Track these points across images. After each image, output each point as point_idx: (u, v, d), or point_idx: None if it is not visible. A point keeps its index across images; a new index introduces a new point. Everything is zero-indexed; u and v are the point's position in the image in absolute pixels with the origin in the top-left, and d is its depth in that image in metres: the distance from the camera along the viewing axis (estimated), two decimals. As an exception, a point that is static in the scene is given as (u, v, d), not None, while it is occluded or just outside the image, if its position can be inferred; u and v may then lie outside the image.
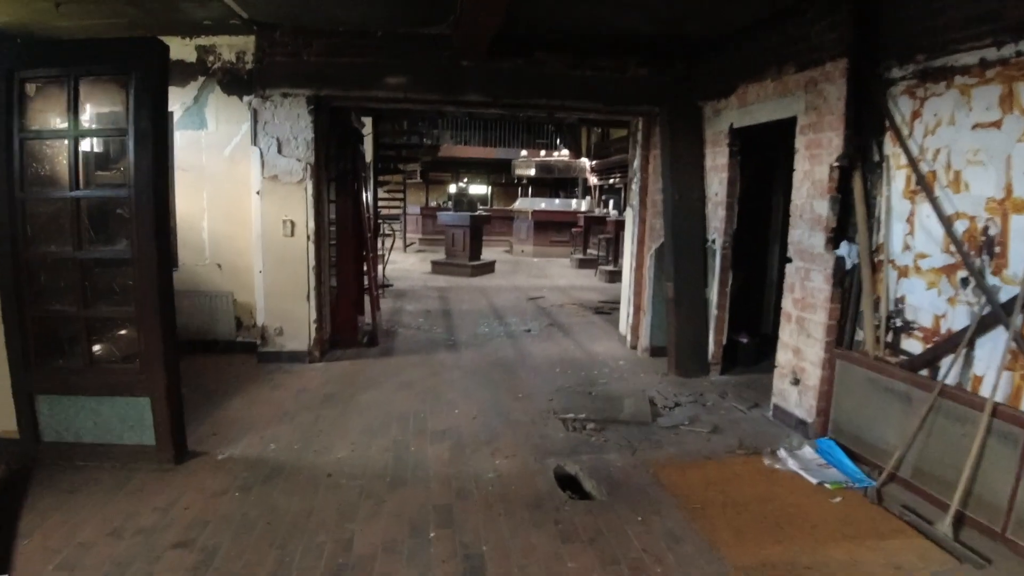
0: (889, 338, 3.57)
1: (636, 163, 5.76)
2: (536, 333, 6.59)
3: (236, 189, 5.15)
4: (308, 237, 5.04)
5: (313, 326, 5.16)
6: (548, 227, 14.50)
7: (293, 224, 5.01)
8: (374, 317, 5.84)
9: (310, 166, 4.96)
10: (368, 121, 8.63)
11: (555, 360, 5.52)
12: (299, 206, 5.00)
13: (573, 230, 13.23)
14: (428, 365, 5.24)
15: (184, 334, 5.34)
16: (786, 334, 4.15)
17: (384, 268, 8.92)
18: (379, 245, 9.64)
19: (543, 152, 15.40)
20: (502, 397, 4.49)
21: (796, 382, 4.00)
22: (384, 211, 15.12)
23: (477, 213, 11.32)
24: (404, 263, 12.69)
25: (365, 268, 6.18)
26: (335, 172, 5.65)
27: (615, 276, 10.50)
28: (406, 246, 14.88)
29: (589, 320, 7.35)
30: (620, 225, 10.62)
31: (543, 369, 5.23)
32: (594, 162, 14.40)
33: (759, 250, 6.13)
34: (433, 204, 17.75)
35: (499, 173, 18.13)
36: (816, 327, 3.83)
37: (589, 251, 13.11)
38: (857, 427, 3.61)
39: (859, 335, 3.75)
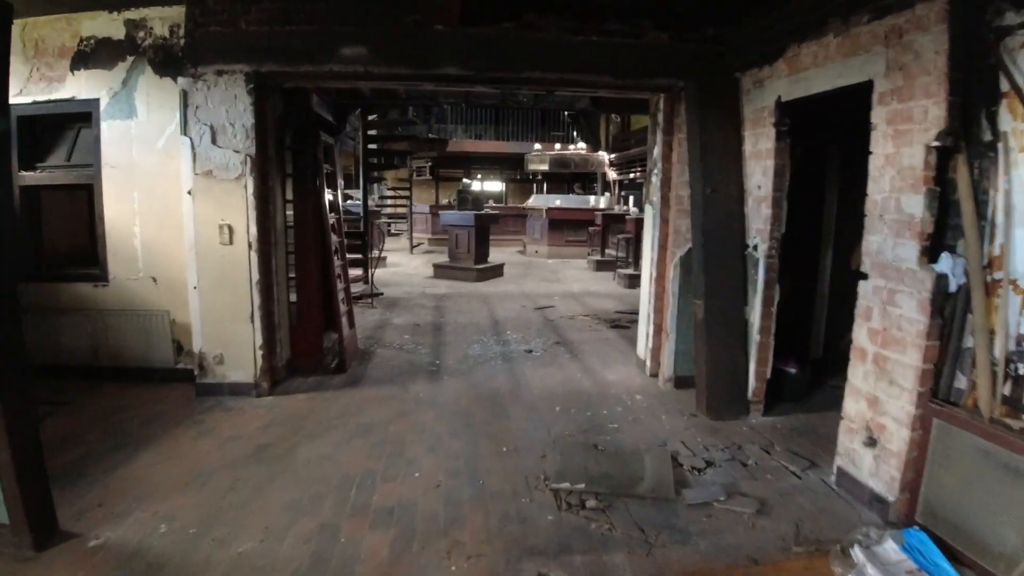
0: (1008, 390, 2.49)
1: (656, 151, 4.71)
2: (539, 354, 5.58)
3: (171, 188, 4.25)
4: (249, 245, 4.12)
5: (259, 353, 4.24)
6: (564, 226, 13.46)
7: (231, 230, 4.10)
8: (341, 338, 4.90)
9: (250, 158, 4.04)
10: (365, 120, 7.72)
11: (557, 393, 4.51)
12: (238, 207, 4.08)
13: (590, 229, 12.18)
14: (398, 401, 4.28)
15: (116, 361, 4.54)
16: (858, 377, 3.08)
17: (372, 274, 8.01)
18: (373, 248, 8.76)
19: (558, 145, 14.35)
20: (481, 450, 3.51)
21: (871, 443, 2.94)
22: (390, 210, 14.29)
23: (483, 212, 10.35)
24: (407, 266, 11.79)
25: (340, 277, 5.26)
26: (294, 167, 4.73)
27: (635, 281, 9.42)
28: (412, 247, 13.99)
29: (603, 336, 6.32)
30: (641, 224, 9.56)
31: (540, 407, 4.23)
32: (613, 155, 13.31)
33: (808, 255, 5.04)
34: (444, 202, 16.83)
35: (514, 169, 17.12)
36: (904, 371, 2.76)
37: (607, 252, 12.04)
38: (960, 515, 2.55)
39: (958, 381, 2.69)
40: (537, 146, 14.42)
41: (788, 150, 3.91)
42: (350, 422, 3.88)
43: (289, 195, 4.76)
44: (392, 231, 16.22)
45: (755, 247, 4.09)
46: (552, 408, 4.21)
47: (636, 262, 9.80)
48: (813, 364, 4.76)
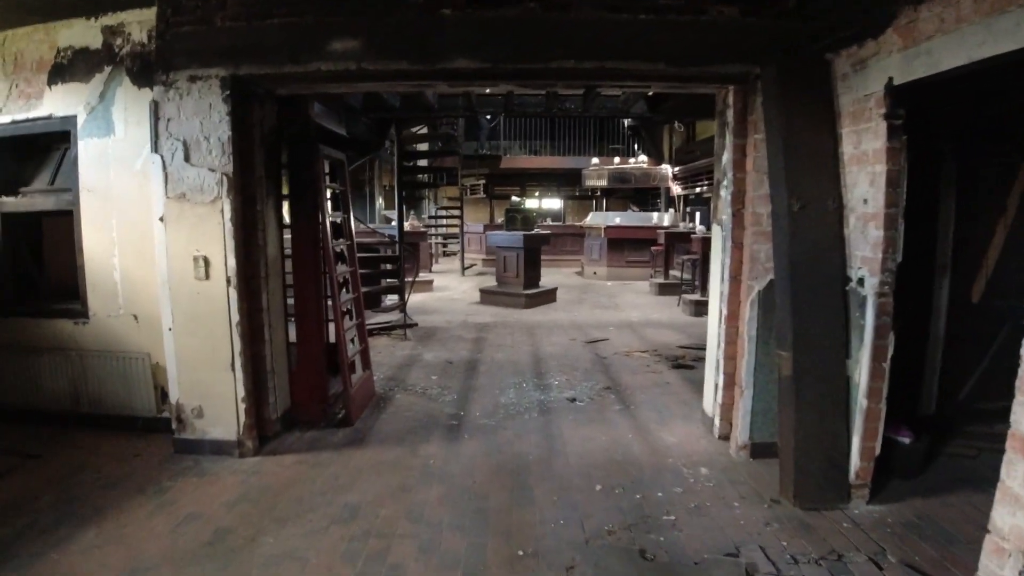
0: None
1: (725, 158, 3.76)
2: (583, 404, 4.67)
3: (150, 214, 3.70)
4: (228, 280, 3.48)
5: (241, 406, 3.58)
6: (624, 245, 12.45)
7: (207, 262, 3.48)
8: (347, 385, 4.19)
9: (227, 178, 3.42)
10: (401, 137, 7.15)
11: (599, 463, 3.60)
12: (214, 236, 3.46)
13: (652, 249, 11.12)
14: (401, 470, 3.50)
15: (97, 407, 4.03)
16: (1018, 479, 2.02)
17: (406, 302, 7.34)
18: (408, 273, 8.14)
19: (617, 159, 13.39)
20: (489, 555, 2.65)
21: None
22: (444, 229, 13.77)
23: (533, 232, 9.53)
24: (456, 290, 11.13)
25: (354, 313, 4.59)
26: (291, 187, 4.10)
27: (702, 308, 8.32)
28: (464, 269, 13.36)
29: (662, 380, 5.32)
30: (709, 243, 8.46)
31: (576, 484, 3.33)
32: (676, 168, 12.21)
33: (917, 287, 3.91)
34: (499, 221, 16.18)
35: (572, 185, 16.27)
36: None
37: (672, 274, 10.93)
38: None
39: None
40: (595, 160, 13.52)
41: (904, 151, 2.89)
42: (335, 501, 3.12)
43: (287, 219, 4.13)
44: (445, 252, 15.72)
45: (860, 281, 3.07)
46: (591, 486, 3.30)
47: (703, 287, 8.69)
48: (926, 425, 3.62)
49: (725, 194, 3.78)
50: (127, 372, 3.95)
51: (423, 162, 8.65)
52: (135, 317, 3.92)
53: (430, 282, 11.15)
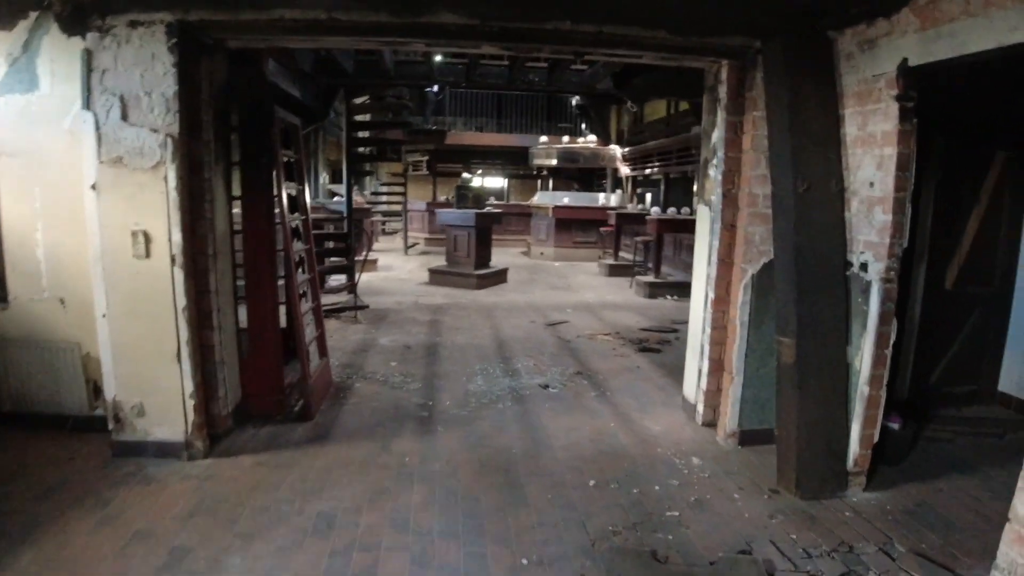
0: None
1: (716, 135, 3.60)
2: (557, 390, 4.48)
3: (83, 182, 3.13)
4: (172, 258, 3.01)
5: (190, 402, 3.14)
6: (572, 226, 12.35)
7: (147, 237, 2.99)
8: (306, 376, 3.79)
9: (172, 140, 2.92)
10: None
11: (588, 456, 3.42)
12: (156, 207, 2.97)
13: (602, 230, 11.07)
14: (375, 469, 3.17)
15: (21, 405, 3.50)
16: None
17: (357, 282, 6.89)
18: (358, 251, 7.68)
19: (566, 138, 13.20)
20: (491, 568, 2.41)
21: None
22: (384, 207, 13.18)
23: (484, 210, 9.22)
24: (401, 269, 10.67)
25: (311, 295, 4.16)
26: (242, 153, 3.62)
27: (657, 290, 8.38)
28: (407, 248, 12.86)
29: (632, 364, 5.21)
30: (665, 225, 8.48)
31: (568, 480, 3.13)
32: (626, 149, 12.18)
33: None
34: (442, 199, 15.71)
35: (517, 163, 15.96)
36: None
37: (622, 255, 10.94)
38: None
39: None
40: (543, 139, 13.29)
41: (914, 134, 2.82)
42: (306, 509, 2.77)
43: (237, 190, 3.65)
44: (386, 229, 15.10)
45: (863, 266, 3.00)
46: (584, 482, 3.11)
47: (657, 268, 8.70)
48: (903, 410, 3.67)
49: (715, 173, 3.64)
50: (54, 364, 3.38)
51: (364, 133, 8.08)
52: (62, 301, 3.35)
53: (374, 261, 10.61)
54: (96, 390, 3.42)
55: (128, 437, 3.17)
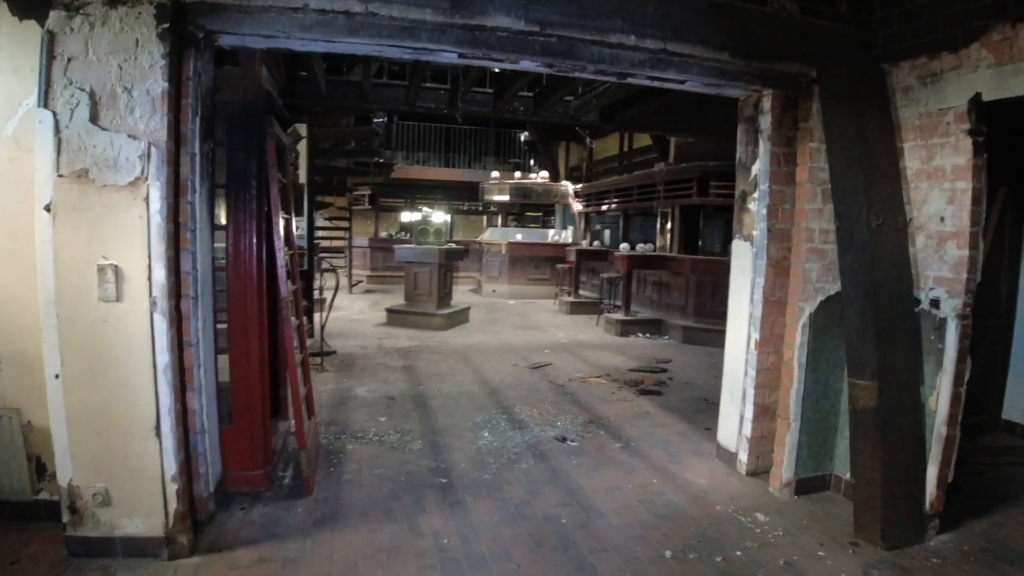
0: None
1: (758, 167, 3.41)
2: (577, 444, 4.05)
3: (25, 201, 2.45)
4: (154, 303, 2.37)
5: (171, 487, 2.45)
6: (525, 262, 12.07)
7: (119, 274, 2.34)
8: (301, 441, 3.16)
9: (157, 150, 2.33)
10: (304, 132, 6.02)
11: (645, 521, 2.99)
12: (133, 236, 2.34)
13: (559, 267, 10.85)
14: (412, 559, 2.59)
15: None
16: None
17: (324, 323, 6.21)
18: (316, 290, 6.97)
19: (518, 173, 13.05)
20: None
21: None
22: (325, 243, 12.36)
23: (447, 246, 8.75)
24: (350, 309, 9.91)
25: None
26: (228, 174, 3.02)
27: (628, 327, 8.19)
28: (352, 286, 12.08)
29: (640, 409, 4.87)
30: (635, 261, 8.34)
31: (641, 554, 2.68)
32: (579, 186, 12.15)
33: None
34: (384, 235, 15.03)
35: (460, 199, 15.62)
36: None
37: (582, 293, 10.74)
38: None
39: None
40: (495, 174, 13.06)
41: (985, 168, 2.73)
42: (341, 622, 2.17)
43: (221, 219, 3.04)
44: (325, 267, 14.17)
45: (933, 302, 2.84)
46: (659, 554, 2.68)
47: (627, 306, 8.53)
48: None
49: (756, 207, 3.44)
50: (-25, 439, 2.59)
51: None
52: (-12, 356, 2.59)
53: (320, 301, 9.80)
54: (40, 468, 2.65)
55: (89, 532, 2.43)
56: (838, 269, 3.16)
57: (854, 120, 2.87)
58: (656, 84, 3.31)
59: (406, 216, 15.84)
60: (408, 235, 15.14)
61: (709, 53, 2.86)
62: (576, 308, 10.10)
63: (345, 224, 11.16)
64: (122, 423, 2.38)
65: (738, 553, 2.71)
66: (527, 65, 2.98)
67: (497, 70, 5.24)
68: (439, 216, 16.19)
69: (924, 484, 2.87)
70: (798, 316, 3.22)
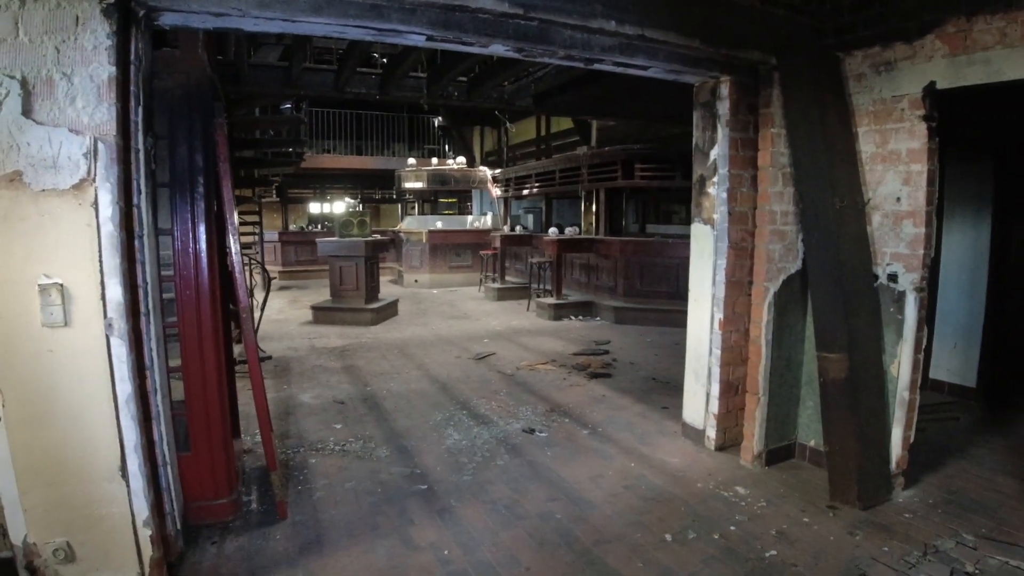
0: None
1: (716, 152, 3.52)
2: (546, 435, 4.03)
3: None
4: (110, 324, 2.05)
5: (144, 531, 2.15)
6: (446, 250, 11.88)
7: (65, 294, 2.00)
8: (271, 461, 2.90)
9: (105, 146, 2.00)
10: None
11: (637, 507, 3.04)
12: (80, 249, 2.00)
13: (483, 253, 10.77)
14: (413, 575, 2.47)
15: None
16: None
17: (257, 327, 5.73)
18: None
19: (435, 160, 12.75)
20: None
21: None
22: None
23: (373, 238, 8.40)
24: (269, 308, 9.23)
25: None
26: (172, 170, 2.67)
27: (561, 311, 8.29)
28: (267, 283, 11.28)
29: (595, 393, 4.95)
30: (564, 245, 8.44)
31: (644, 541, 2.72)
32: (497, 171, 12.09)
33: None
34: (294, 228, 14.19)
35: (372, 187, 15.05)
36: None
37: (508, 279, 10.74)
38: None
39: None
40: (412, 161, 12.66)
41: (938, 151, 2.96)
42: (365, 655, 2.01)
43: (164, 221, 2.68)
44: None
45: (891, 277, 3.07)
46: (660, 539, 2.73)
47: (558, 290, 8.63)
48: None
49: (715, 191, 3.55)
50: None
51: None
52: None
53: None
54: (-24, 531, 2.23)
55: (37, 598, 2.08)
56: (799, 249, 3.34)
57: (816, 106, 3.02)
58: (619, 70, 3.30)
59: (314, 207, 15.04)
60: (319, 227, 14.43)
61: (682, 40, 2.88)
62: (504, 294, 10.10)
63: (255, 218, 10.38)
64: (80, 466, 2.05)
65: (732, 528, 2.82)
66: (497, 49, 2.86)
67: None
68: (339, 206, 15.53)
69: (890, 446, 3.11)
70: (764, 296, 3.37)
